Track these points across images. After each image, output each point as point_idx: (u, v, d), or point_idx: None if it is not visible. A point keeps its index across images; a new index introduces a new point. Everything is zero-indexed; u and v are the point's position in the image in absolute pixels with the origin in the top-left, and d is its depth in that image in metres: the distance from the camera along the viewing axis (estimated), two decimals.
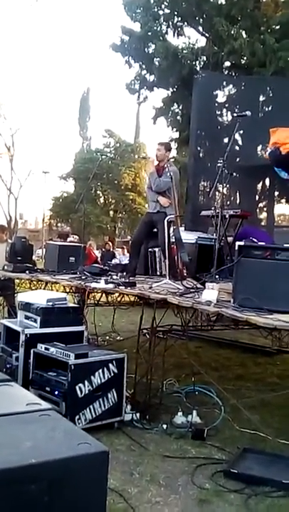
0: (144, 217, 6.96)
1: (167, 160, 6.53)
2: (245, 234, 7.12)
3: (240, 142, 11.23)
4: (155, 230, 6.58)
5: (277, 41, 14.07)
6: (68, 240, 13.24)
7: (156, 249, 7.01)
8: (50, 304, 5.05)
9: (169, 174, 6.04)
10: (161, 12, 16.61)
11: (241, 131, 10.80)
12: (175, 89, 17.11)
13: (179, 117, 17.81)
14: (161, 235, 6.27)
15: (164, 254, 6.60)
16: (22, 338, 4.72)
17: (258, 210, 15.01)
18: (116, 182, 41.34)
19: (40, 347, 4.54)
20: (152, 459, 3.81)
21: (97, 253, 17.15)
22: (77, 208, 28.03)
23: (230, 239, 6.84)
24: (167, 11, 16.50)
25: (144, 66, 17.21)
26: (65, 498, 1.80)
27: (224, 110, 15.29)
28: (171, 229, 6.01)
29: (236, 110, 12.84)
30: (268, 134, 6.32)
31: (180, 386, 5.40)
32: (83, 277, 6.23)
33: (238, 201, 13.54)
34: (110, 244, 20.99)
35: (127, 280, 5.92)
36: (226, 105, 15.20)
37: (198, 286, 5.23)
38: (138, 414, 4.51)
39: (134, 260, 6.65)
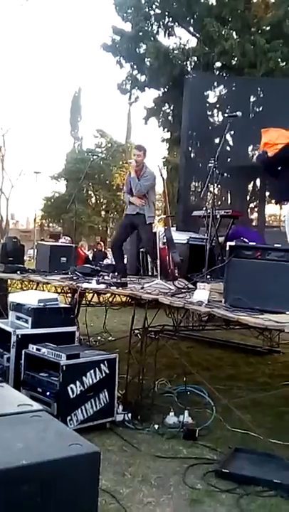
0: (123, 220, 6.84)
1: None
2: (236, 234, 7.14)
3: (231, 143, 11.27)
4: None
5: (267, 42, 14.10)
6: (60, 241, 13.23)
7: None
8: (42, 304, 5.04)
9: (148, 177, 6.10)
10: (152, 12, 16.59)
11: (232, 132, 10.85)
12: (166, 90, 17.11)
13: (170, 117, 17.81)
14: (145, 237, 6.29)
15: (150, 256, 6.63)
16: (13, 338, 4.70)
17: (249, 211, 15.06)
18: (107, 182, 41.33)
19: (32, 348, 4.53)
20: (144, 459, 3.81)
21: (89, 253, 17.14)
22: (69, 208, 28.00)
23: (221, 239, 6.86)
24: (158, 11, 16.49)
25: (135, 66, 17.18)
26: (57, 498, 1.80)
27: (215, 111, 15.32)
28: (162, 229, 6.03)
29: (227, 111, 12.85)
30: (260, 135, 6.35)
31: (172, 386, 5.41)
32: (75, 278, 6.23)
33: (229, 201, 13.58)
34: (102, 244, 20.97)
35: (119, 280, 5.93)
36: (217, 106, 15.23)
37: (190, 286, 5.24)
38: (130, 415, 4.52)
39: (120, 262, 6.64)
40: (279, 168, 5.86)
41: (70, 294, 7.36)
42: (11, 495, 1.69)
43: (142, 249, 7.27)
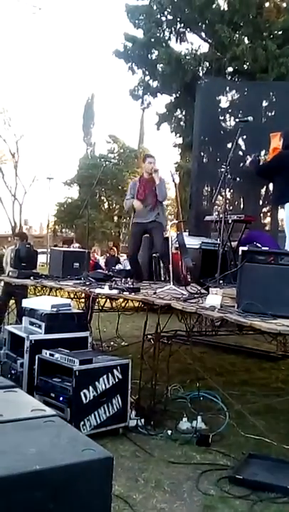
0: (133, 228, 6.69)
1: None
2: (250, 239, 7.12)
3: (243, 147, 11.24)
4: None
5: (279, 47, 14.10)
6: (72, 247, 13.30)
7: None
8: (55, 309, 5.06)
9: (165, 184, 6.21)
10: (163, 18, 16.66)
11: (244, 137, 10.83)
12: (178, 95, 17.15)
13: (182, 123, 17.84)
14: (160, 243, 6.29)
15: (163, 261, 6.63)
16: (27, 344, 4.73)
17: (261, 215, 15.00)
18: (120, 187, 41.38)
19: (45, 353, 4.55)
20: (157, 465, 3.80)
21: (101, 259, 17.15)
22: (82, 214, 28.10)
23: (234, 244, 6.84)
24: (170, 17, 16.55)
25: (147, 72, 17.25)
26: (70, 504, 1.80)
27: (227, 115, 15.30)
28: (174, 234, 6.03)
29: (240, 115, 12.84)
30: (269, 139, 6.36)
31: (185, 392, 5.39)
32: (87, 283, 6.24)
33: (242, 206, 13.54)
34: (115, 249, 21.00)
35: (131, 286, 5.93)
36: (229, 110, 15.20)
37: (202, 291, 5.23)
38: (143, 420, 4.51)
39: (137, 268, 6.66)
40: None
41: (83, 300, 7.39)
42: (24, 500, 1.69)
43: (154, 255, 7.27)
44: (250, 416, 4.41)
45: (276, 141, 6.11)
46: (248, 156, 6.10)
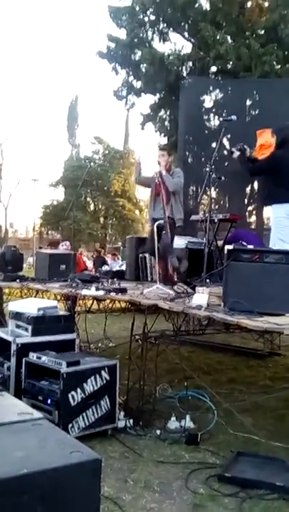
0: (150, 225, 6.60)
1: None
2: (235, 237, 7.17)
3: (228, 146, 11.27)
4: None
5: (262, 46, 14.17)
6: (60, 246, 13.21)
7: (147, 255, 7.02)
8: (41, 312, 5.04)
9: (179, 174, 6.27)
10: (146, 19, 16.66)
11: (229, 136, 10.88)
12: (162, 95, 17.16)
13: (166, 123, 17.86)
14: (167, 240, 6.25)
15: (171, 260, 6.58)
16: (13, 347, 4.70)
17: (247, 214, 15.09)
18: (106, 188, 41.40)
19: (32, 356, 4.52)
20: (146, 465, 3.81)
21: (89, 263, 17.12)
22: (68, 216, 28.06)
23: (220, 243, 6.87)
24: (153, 17, 16.55)
25: (130, 73, 17.24)
26: (59, 507, 1.80)
27: (211, 115, 15.37)
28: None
29: (223, 114, 12.89)
30: (255, 136, 6.38)
31: (173, 391, 5.40)
32: (74, 284, 6.23)
33: (227, 205, 13.60)
34: (101, 250, 21.01)
35: (118, 286, 5.92)
36: (213, 110, 15.28)
37: (189, 290, 5.24)
38: (131, 421, 4.51)
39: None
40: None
41: (70, 301, 7.38)
42: (12, 504, 1.69)
43: (140, 255, 7.27)
44: (238, 414, 4.43)
45: (264, 138, 6.12)
46: (233, 149, 6.07)
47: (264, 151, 6.00)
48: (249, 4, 15.98)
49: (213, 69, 15.61)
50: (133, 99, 17.93)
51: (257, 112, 13.84)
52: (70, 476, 1.83)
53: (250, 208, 15.36)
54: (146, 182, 7.01)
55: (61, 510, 1.80)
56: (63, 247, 12.66)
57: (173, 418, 4.57)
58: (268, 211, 6.30)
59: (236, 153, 5.93)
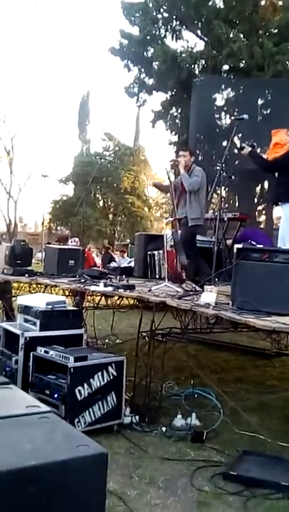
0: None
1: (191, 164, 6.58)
2: (245, 236, 7.15)
3: (238, 145, 11.27)
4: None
5: (275, 45, 14.12)
6: (70, 243, 13.23)
7: (156, 252, 7.03)
8: (50, 307, 5.06)
9: (197, 173, 6.27)
10: (159, 16, 16.65)
11: (240, 135, 10.85)
12: (174, 93, 17.15)
13: (177, 120, 17.85)
14: (182, 239, 6.28)
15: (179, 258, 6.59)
16: (21, 341, 4.72)
17: (257, 213, 15.05)
18: (115, 185, 41.41)
19: (40, 350, 4.54)
20: (151, 461, 3.81)
21: (98, 259, 17.13)
22: (77, 211, 28.09)
23: (229, 242, 6.86)
24: (166, 14, 16.55)
25: (142, 70, 17.25)
26: (64, 500, 1.81)
27: (223, 113, 15.35)
28: (169, 232, 6.04)
29: (235, 113, 12.87)
30: (269, 136, 6.34)
31: (179, 389, 5.40)
32: (82, 280, 6.24)
33: (237, 204, 13.57)
34: (110, 247, 21.04)
35: (126, 283, 5.93)
36: (225, 108, 15.25)
37: (197, 288, 5.24)
38: (137, 417, 4.52)
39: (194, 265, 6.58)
40: (276, 174, 5.88)
41: (78, 297, 7.40)
42: (19, 495, 1.70)
43: (149, 252, 7.28)
44: (244, 413, 4.43)
45: (278, 137, 6.08)
46: (243, 144, 6.00)
47: (278, 150, 5.96)
48: (263, 2, 15.91)
49: (226, 67, 15.58)
50: (144, 96, 17.97)
51: (268, 112, 13.79)
52: (77, 469, 1.84)
53: (259, 208, 15.32)
54: (164, 188, 7.07)
55: (67, 502, 1.81)
56: (72, 244, 12.68)
57: (179, 416, 4.58)
58: (278, 211, 6.25)
59: (247, 149, 5.85)
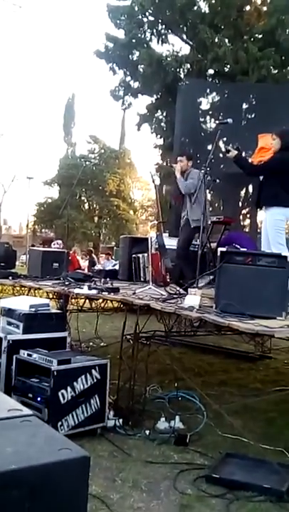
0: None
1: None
2: (229, 240, 7.17)
3: (223, 149, 11.33)
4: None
5: (259, 50, 14.24)
6: (53, 245, 13.18)
7: (140, 255, 7.04)
8: (33, 309, 5.03)
9: (192, 176, 6.29)
10: (145, 19, 16.70)
11: (224, 138, 10.90)
12: (159, 96, 17.21)
13: (163, 124, 17.91)
14: (180, 238, 6.51)
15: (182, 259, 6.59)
16: (4, 344, 4.69)
17: (241, 217, 15.14)
18: (100, 188, 41.36)
19: (23, 353, 4.52)
20: (135, 464, 3.81)
21: (82, 262, 17.10)
22: (62, 214, 28.00)
23: (214, 245, 6.88)
24: (151, 18, 16.60)
25: (128, 73, 17.28)
26: (46, 504, 1.79)
27: (208, 117, 15.43)
28: (154, 235, 6.06)
29: (220, 117, 12.95)
30: (256, 140, 6.37)
31: (163, 392, 5.41)
32: (66, 283, 6.22)
33: (221, 208, 13.63)
34: (92, 250, 21.01)
35: (110, 286, 5.93)
36: (210, 112, 15.34)
37: (181, 291, 5.25)
38: (121, 420, 4.51)
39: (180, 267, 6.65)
40: (260, 178, 5.88)
41: (62, 300, 7.37)
42: (2, 499, 1.69)
43: (134, 255, 7.28)
44: (227, 416, 4.44)
45: (264, 142, 6.09)
46: (228, 147, 5.96)
47: (263, 154, 5.96)
48: (248, 8, 16.04)
49: (211, 72, 15.69)
50: (130, 99, 18.01)
51: (253, 116, 13.89)
52: (59, 473, 1.83)
53: (244, 212, 15.41)
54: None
55: (49, 506, 1.79)
56: (55, 246, 12.62)
57: (162, 419, 4.58)
58: (262, 215, 6.25)
59: (233, 152, 5.80)
